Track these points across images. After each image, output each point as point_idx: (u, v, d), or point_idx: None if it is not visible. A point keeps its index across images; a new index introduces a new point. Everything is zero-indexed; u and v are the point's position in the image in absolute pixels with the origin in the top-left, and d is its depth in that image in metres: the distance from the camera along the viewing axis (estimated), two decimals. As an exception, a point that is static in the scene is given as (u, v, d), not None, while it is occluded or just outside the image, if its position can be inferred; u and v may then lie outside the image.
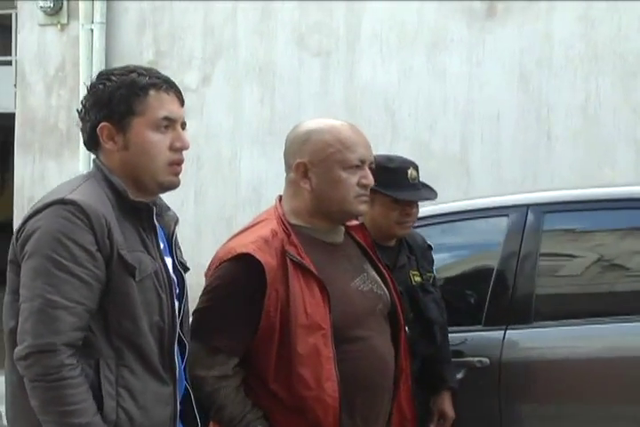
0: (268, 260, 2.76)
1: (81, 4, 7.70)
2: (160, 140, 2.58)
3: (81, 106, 2.63)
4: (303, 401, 2.77)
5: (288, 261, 2.78)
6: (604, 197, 4.05)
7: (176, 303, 2.62)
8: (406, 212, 3.55)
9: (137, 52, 7.71)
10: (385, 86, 7.12)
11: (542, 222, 3.97)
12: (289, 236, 2.83)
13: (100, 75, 2.64)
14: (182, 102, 2.66)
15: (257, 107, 7.40)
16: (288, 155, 2.93)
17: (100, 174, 2.58)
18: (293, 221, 2.90)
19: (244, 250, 2.77)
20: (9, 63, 8.20)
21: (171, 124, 2.60)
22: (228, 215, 7.41)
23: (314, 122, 2.97)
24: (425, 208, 3.88)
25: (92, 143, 2.62)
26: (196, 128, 7.51)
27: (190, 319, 2.80)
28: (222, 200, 7.48)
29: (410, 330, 3.38)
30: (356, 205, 2.89)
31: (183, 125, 2.65)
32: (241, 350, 2.80)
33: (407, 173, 3.53)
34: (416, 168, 3.58)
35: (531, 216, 3.98)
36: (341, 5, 7.22)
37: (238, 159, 7.44)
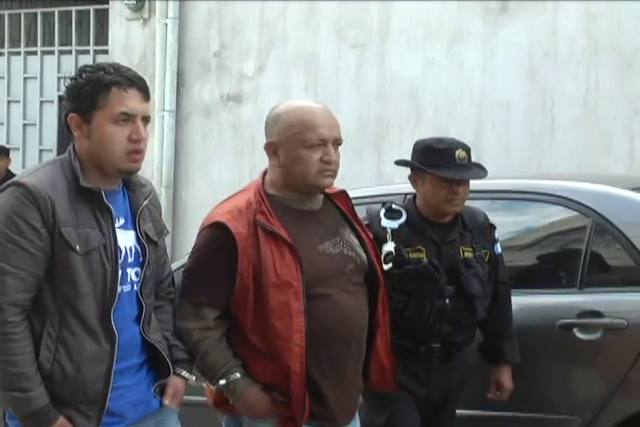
0: (240, 229, 3.04)
1: (158, 2, 8.48)
2: (117, 132, 2.82)
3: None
4: (275, 350, 3.05)
5: (259, 229, 3.05)
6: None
7: (130, 271, 2.91)
8: (453, 190, 3.66)
9: (204, 44, 8.47)
10: (410, 76, 7.65)
11: None
12: (261, 205, 3.10)
13: (78, 70, 2.90)
14: (147, 98, 2.88)
15: (302, 93, 7.97)
16: (265, 135, 3.20)
17: (67, 159, 2.87)
18: (270, 191, 3.16)
19: (220, 219, 3.08)
20: (105, 52, 9.05)
21: (129, 118, 2.82)
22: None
23: (285, 105, 3.22)
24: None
25: (67, 129, 2.90)
26: (252, 112, 8.27)
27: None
28: (272, 177, 8.18)
29: (451, 302, 3.66)
30: (320, 179, 3.12)
31: (146, 119, 2.88)
32: (221, 304, 3.10)
33: (455, 154, 3.65)
34: (465, 149, 3.69)
35: None
36: (375, 4, 7.80)
37: (286, 140, 8.11)
